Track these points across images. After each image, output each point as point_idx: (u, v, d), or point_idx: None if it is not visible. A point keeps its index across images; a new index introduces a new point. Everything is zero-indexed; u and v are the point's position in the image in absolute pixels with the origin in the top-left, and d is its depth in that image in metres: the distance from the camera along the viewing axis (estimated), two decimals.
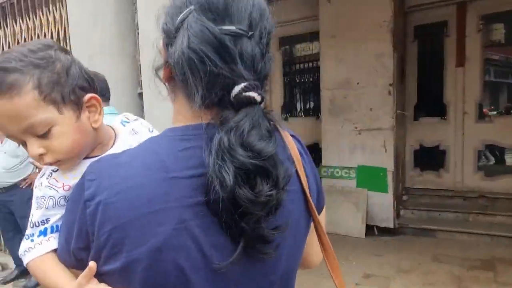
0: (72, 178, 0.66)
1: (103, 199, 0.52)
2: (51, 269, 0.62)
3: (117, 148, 0.71)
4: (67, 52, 0.67)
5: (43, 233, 0.65)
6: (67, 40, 2.82)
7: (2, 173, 3.12)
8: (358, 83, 4.29)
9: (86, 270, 0.55)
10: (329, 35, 4.37)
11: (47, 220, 0.66)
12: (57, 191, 0.66)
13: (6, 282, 3.42)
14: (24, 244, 0.66)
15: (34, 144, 0.62)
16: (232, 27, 0.52)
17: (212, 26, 0.51)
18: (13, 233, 3.34)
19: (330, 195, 4.27)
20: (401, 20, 4.46)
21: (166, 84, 0.61)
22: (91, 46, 2.28)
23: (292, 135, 0.66)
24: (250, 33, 0.53)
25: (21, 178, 3.19)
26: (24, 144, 0.63)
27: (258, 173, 0.51)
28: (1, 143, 3.20)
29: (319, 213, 0.67)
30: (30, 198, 0.70)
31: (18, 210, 3.16)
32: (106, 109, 1.18)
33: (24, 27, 3.33)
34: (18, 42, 3.41)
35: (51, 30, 3.11)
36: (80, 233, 0.55)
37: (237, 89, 0.52)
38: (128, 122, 0.80)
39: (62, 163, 0.66)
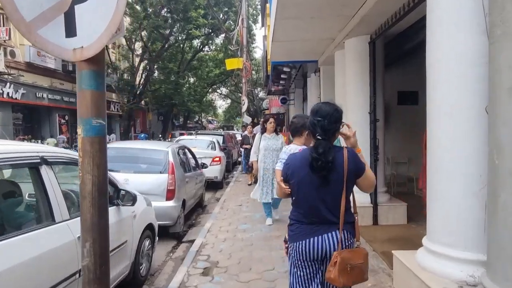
0: (294, 150, 2.96)
1: (290, 163, 2.21)
2: (278, 173, 2.98)
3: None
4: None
5: (281, 163, 2.91)
6: None
7: None
8: None
9: (281, 179, 2.29)
10: None
11: (282, 160, 2.99)
12: (289, 153, 2.86)
13: None
14: (277, 165, 3.25)
15: None
16: (318, 118, 2.08)
17: (312, 117, 2.13)
18: None
19: None
20: None
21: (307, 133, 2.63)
22: None
23: (348, 149, 2.10)
24: (322, 119, 2.07)
25: None
26: None
27: (318, 158, 2.01)
28: None
29: (358, 177, 2.09)
30: None
31: None
32: None
33: None
34: None
35: None
36: (285, 172, 2.23)
37: (317, 134, 2.07)
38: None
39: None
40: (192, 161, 7.85)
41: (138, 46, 28.18)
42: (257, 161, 6.14)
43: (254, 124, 17.28)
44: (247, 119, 15.44)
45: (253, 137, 9.64)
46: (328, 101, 2.19)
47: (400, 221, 5.50)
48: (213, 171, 10.43)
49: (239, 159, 10.42)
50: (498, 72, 2.02)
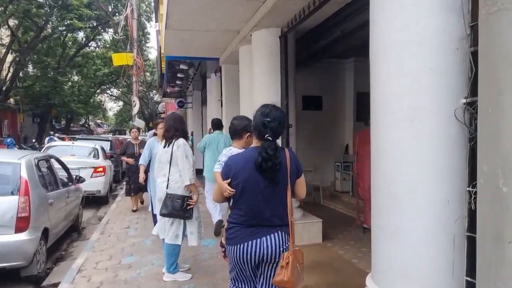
0: (235, 153, 2.47)
1: (231, 165, 2.20)
2: (218, 175, 2.31)
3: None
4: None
5: (221, 165, 2.39)
6: None
7: None
8: None
9: (224, 181, 2.23)
10: None
11: (222, 162, 2.42)
12: (227, 156, 2.47)
13: None
14: (216, 167, 2.51)
15: None
16: (268, 119, 2.13)
17: (262, 118, 2.14)
18: None
19: None
20: None
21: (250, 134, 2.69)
22: None
23: (289, 149, 2.22)
24: (273, 121, 2.12)
25: None
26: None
27: (268, 159, 2.04)
28: None
29: (298, 177, 2.20)
30: None
31: None
32: None
33: None
34: None
35: None
36: (226, 173, 2.21)
37: (266, 135, 2.10)
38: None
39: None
40: (63, 175, 6.20)
41: (4, 34, 23.74)
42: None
43: (149, 129, 15.58)
44: (139, 122, 13.75)
45: (140, 144, 7.64)
46: (275, 105, 2.29)
47: (316, 240, 4.91)
48: (95, 184, 8.71)
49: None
50: (506, 57, 1.35)
